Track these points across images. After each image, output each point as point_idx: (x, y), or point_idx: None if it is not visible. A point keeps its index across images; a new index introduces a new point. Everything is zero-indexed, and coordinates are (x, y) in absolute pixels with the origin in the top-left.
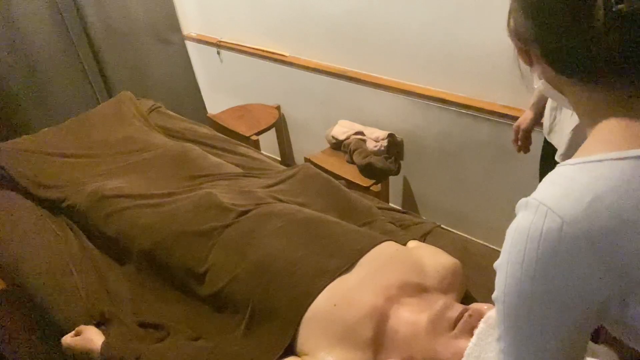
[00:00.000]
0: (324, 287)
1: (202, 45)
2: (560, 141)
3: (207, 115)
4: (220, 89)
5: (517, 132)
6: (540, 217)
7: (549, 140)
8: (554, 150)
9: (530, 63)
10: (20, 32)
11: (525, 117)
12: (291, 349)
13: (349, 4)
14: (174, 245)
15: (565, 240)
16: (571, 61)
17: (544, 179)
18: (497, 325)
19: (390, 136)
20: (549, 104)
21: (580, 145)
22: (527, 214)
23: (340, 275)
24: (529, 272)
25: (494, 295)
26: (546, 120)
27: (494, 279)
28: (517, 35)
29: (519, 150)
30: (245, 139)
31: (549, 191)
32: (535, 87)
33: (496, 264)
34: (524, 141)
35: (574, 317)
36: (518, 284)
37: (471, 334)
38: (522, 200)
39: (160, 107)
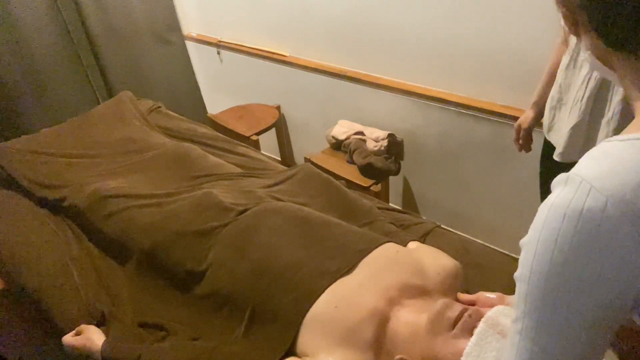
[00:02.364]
0: (325, 289)
1: (202, 45)
2: (558, 140)
3: (207, 115)
4: (220, 89)
5: (518, 131)
6: (582, 195)
7: (548, 139)
8: (554, 149)
9: (577, 33)
10: (20, 32)
11: (527, 116)
12: (292, 350)
13: (349, 4)
14: (174, 245)
15: (608, 220)
16: (621, 32)
17: (585, 155)
18: (515, 306)
19: (390, 136)
20: (549, 102)
21: (578, 144)
22: (567, 191)
23: (341, 277)
24: (562, 252)
25: (517, 274)
26: (546, 119)
27: (494, 279)
28: (563, 2)
29: (520, 150)
30: (245, 139)
31: (593, 168)
32: (582, 59)
33: (523, 241)
34: (525, 140)
35: (606, 304)
36: (548, 263)
37: (471, 334)
38: (562, 176)
39: (160, 107)
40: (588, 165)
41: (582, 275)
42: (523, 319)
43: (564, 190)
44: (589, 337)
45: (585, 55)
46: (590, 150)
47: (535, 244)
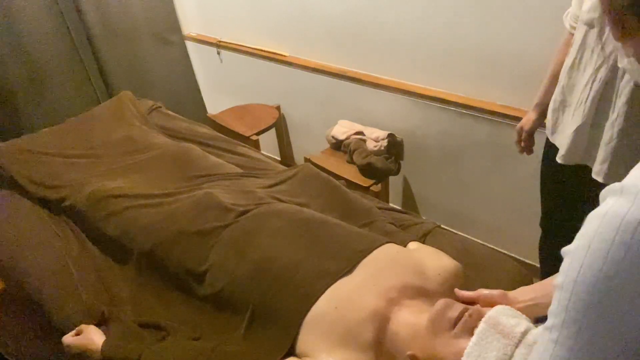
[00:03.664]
0: (325, 290)
1: (202, 45)
2: (562, 142)
3: (207, 115)
4: (220, 89)
5: (520, 133)
6: (639, 207)
7: (552, 141)
8: (556, 151)
9: (621, 37)
10: (21, 32)
11: (529, 118)
12: (292, 351)
13: (349, 4)
14: (174, 245)
15: None
16: None
17: (637, 165)
18: (553, 313)
19: (390, 136)
20: (552, 104)
21: (581, 147)
22: (623, 202)
23: (341, 277)
24: (613, 265)
25: (558, 281)
26: (549, 121)
27: (494, 279)
28: (610, 3)
29: (521, 152)
30: (245, 139)
31: None
32: (620, 65)
33: (567, 249)
34: (527, 142)
35: None
36: (597, 274)
37: (471, 334)
38: (616, 185)
39: (160, 107)
40: None
41: (632, 291)
42: (561, 328)
43: (619, 200)
44: (628, 355)
45: (624, 62)
46: None
47: (583, 254)
